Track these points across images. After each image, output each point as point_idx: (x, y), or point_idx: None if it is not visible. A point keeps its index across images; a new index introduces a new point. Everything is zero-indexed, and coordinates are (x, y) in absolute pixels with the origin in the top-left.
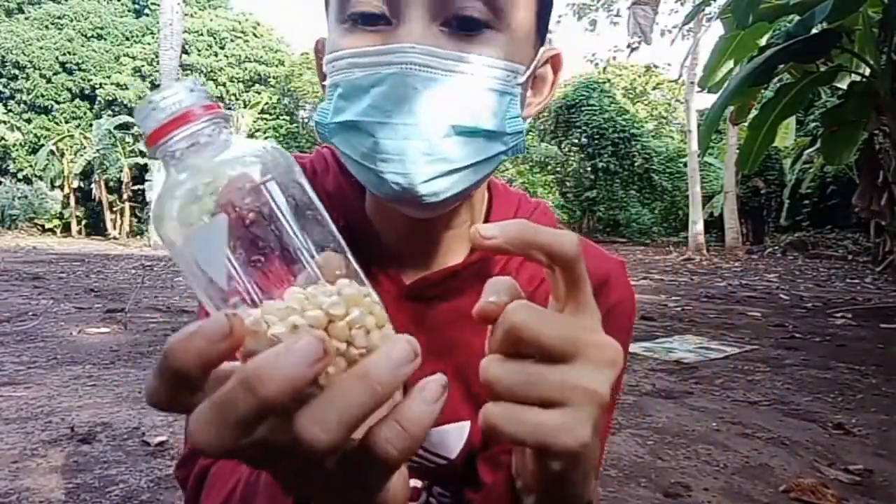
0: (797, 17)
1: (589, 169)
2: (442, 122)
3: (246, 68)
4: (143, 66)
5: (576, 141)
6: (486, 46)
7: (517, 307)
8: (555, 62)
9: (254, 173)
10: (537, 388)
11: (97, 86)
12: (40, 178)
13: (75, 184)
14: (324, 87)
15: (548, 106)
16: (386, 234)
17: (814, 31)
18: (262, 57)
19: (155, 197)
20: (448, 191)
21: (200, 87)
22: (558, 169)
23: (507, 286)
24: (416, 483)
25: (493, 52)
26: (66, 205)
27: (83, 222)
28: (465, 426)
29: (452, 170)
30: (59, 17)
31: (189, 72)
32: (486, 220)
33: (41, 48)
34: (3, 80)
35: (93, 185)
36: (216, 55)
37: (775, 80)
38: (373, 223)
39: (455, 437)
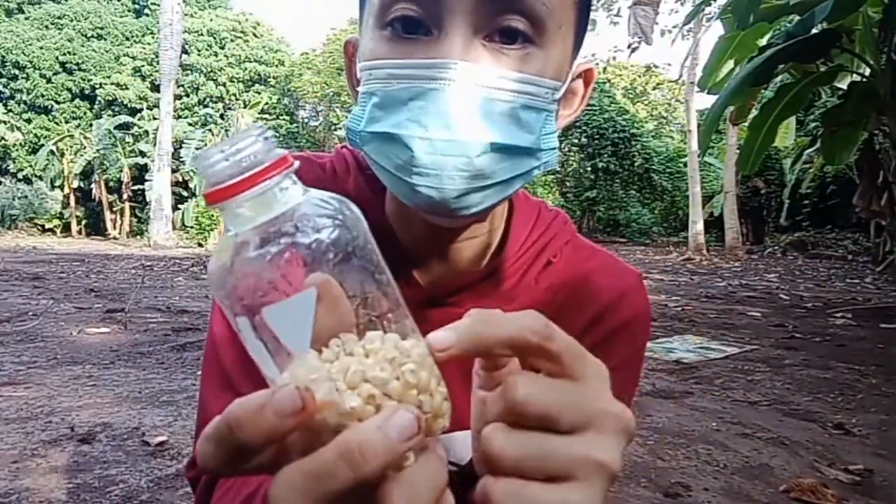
0: (797, 17)
1: (589, 169)
2: (480, 139)
3: (246, 68)
4: (143, 66)
5: (576, 141)
6: (527, 63)
7: (519, 379)
8: (587, 76)
9: (328, 237)
10: (546, 462)
11: (97, 86)
12: (40, 178)
13: (75, 184)
14: (355, 91)
15: (577, 119)
16: (405, 237)
17: (814, 31)
18: (262, 57)
19: (215, 258)
20: (480, 204)
21: (268, 132)
22: (558, 169)
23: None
24: None
25: (533, 69)
26: (66, 205)
27: (83, 222)
28: None
29: (487, 185)
30: (59, 17)
31: (189, 72)
32: (507, 228)
33: (41, 48)
34: (3, 80)
35: (93, 185)
36: (216, 55)
37: (775, 80)
38: (392, 226)
39: (467, 444)
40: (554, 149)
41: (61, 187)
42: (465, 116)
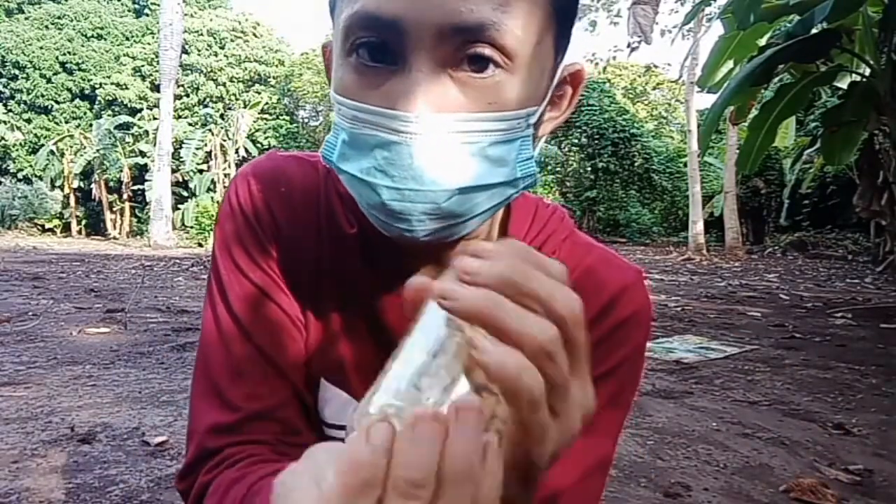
0: (797, 17)
1: (589, 169)
2: (447, 186)
3: (246, 68)
4: (143, 66)
5: (576, 141)
6: (499, 92)
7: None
8: (574, 79)
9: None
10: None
11: (97, 86)
12: (40, 178)
13: (75, 184)
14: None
15: (567, 119)
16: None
17: (814, 31)
18: (262, 57)
19: None
20: (455, 235)
21: None
22: (558, 169)
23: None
24: None
25: (506, 98)
26: (66, 205)
27: (83, 222)
28: None
29: (460, 222)
30: (59, 17)
31: (189, 72)
32: (504, 226)
33: (41, 48)
34: (3, 80)
35: (93, 185)
36: (216, 55)
37: (775, 80)
38: None
39: None
40: (532, 174)
41: (61, 187)
42: (431, 167)
